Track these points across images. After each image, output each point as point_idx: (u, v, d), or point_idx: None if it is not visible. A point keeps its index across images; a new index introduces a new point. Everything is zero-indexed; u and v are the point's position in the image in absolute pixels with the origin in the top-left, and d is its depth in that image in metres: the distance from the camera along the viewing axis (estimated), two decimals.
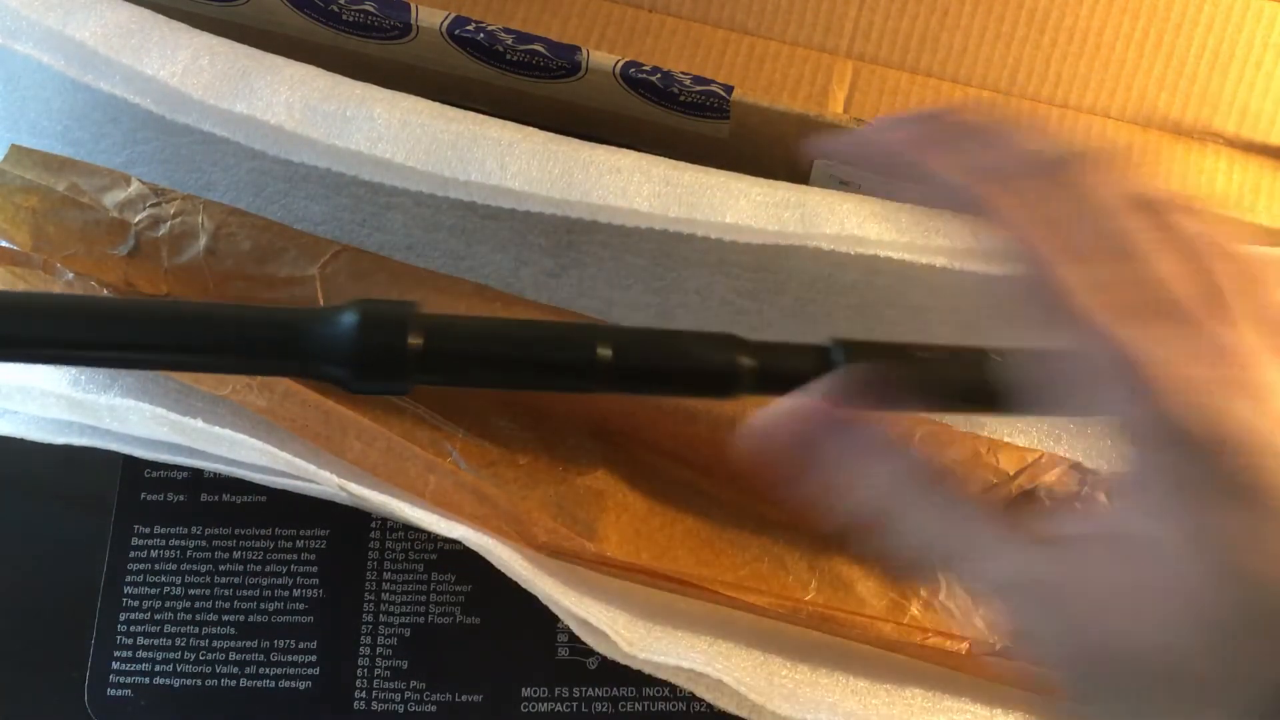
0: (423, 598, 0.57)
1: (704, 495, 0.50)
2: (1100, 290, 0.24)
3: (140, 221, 0.51)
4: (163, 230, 0.51)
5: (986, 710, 0.49)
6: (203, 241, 0.51)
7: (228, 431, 0.48)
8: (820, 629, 0.50)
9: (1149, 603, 0.22)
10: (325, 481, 0.48)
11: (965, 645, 0.48)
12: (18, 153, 0.53)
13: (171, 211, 0.51)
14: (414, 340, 0.31)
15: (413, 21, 0.52)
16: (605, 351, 0.32)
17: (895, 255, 0.48)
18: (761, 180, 0.49)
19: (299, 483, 0.50)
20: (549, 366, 0.33)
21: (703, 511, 0.50)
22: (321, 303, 0.50)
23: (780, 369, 0.35)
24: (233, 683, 0.55)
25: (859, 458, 0.27)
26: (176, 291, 0.52)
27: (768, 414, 0.29)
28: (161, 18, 0.51)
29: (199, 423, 0.48)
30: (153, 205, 0.52)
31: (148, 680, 0.55)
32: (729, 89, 0.51)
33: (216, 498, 0.58)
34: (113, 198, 0.52)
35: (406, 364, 0.32)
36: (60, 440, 0.52)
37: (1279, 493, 0.21)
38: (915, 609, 0.50)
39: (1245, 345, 0.23)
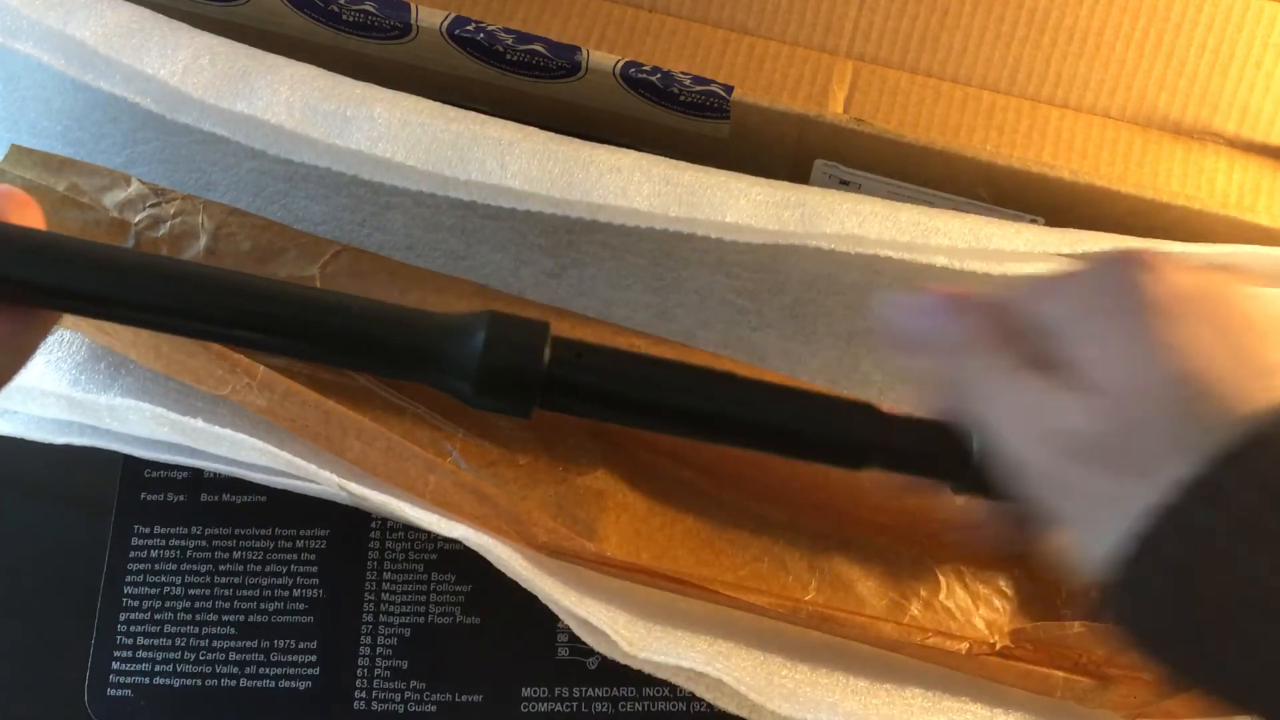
0: (423, 598, 0.57)
1: (704, 495, 0.50)
2: None
3: (140, 221, 0.51)
4: (163, 230, 0.51)
5: (986, 710, 0.49)
6: (203, 241, 0.51)
7: (228, 431, 0.48)
8: (820, 629, 0.50)
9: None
10: (325, 481, 0.48)
11: (965, 645, 0.48)
12: (18, 153, 0.53)
13: (171, 211, 0.51)
14: (545, 366, 0.31)
15: (413, 21, 0.52)
16: (743, 411, 0.33)
17: (895, 255, 0.48)
18: (762, 180, 0.49)
19: (299, 483, 0.50)
20: (684, 414, 0.33)
21: (703, 511, 0.50)
22: None
23: (914, 449, 0.35)
24: (233, 683, 0.55)
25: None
26: None
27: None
28: (162, 17, 0.51)
29: (199, 423, 0.48)
30: (153, 205, 0.52)
31: (148, 680, 0.55)
32: (729, 89, 0.51)
33: (216, 498, 0.58)
34: (113, 198, 0.52)
35: (530, 392, 0.32)
36: (60, 440, 0.53)
37: None
38: (915, 609, 0.50)
39: None
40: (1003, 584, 0.52)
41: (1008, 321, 0.32)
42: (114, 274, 0.33)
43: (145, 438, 0.51)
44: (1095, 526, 0.28)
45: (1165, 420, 0.27)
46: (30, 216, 0.35)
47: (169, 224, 0.51)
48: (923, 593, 0.51)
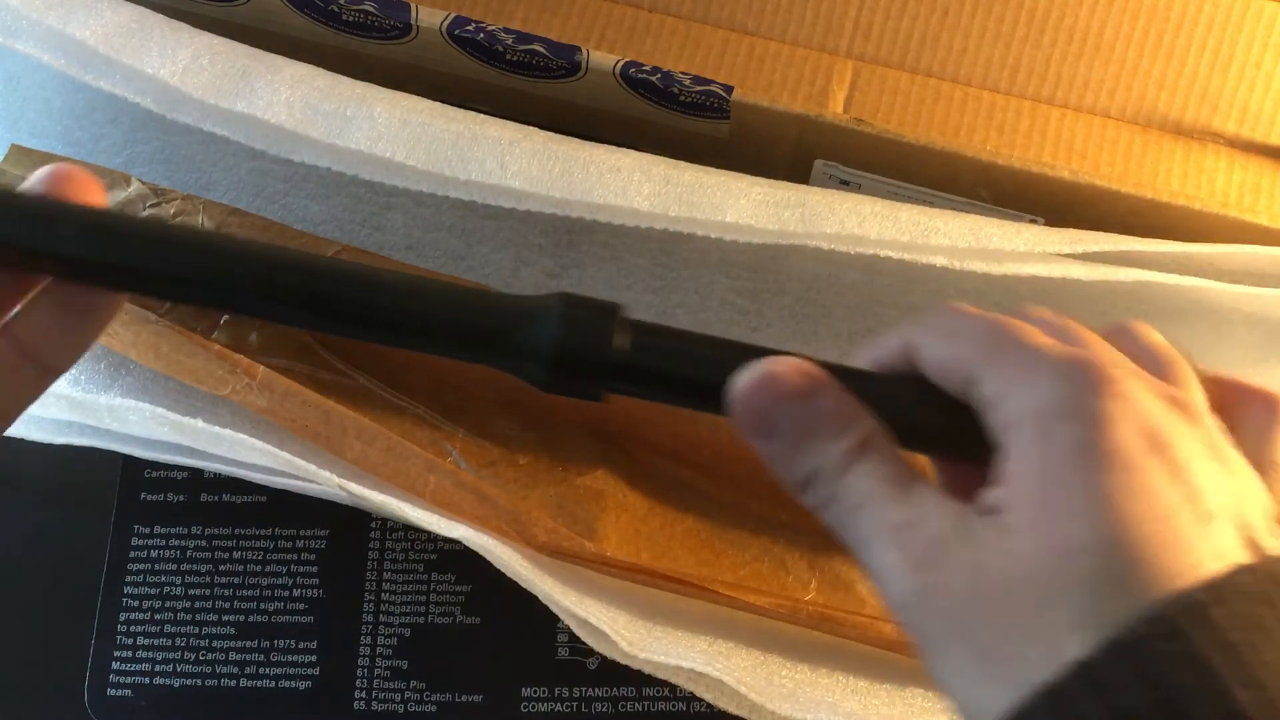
0: (423, 598, 0.57)
1: (704, 495, 0.50)
2: None
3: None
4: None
5: None
6: (208, 225, 0.51)
7: (228, 431, 0.48)
8: (820, 629, 0.50)
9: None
10: (325, 481, 0.48)
11: None
12: (18, 153, 0.53)
13: (171, 212, 0.51)
14: (617, 348, 0.30)
15: (413, 21, 0.52)
16: None
17: (895, 255, 0.48)
18: (762, 180, 0.49)
19: (299, 483, 0.50)
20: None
21: (703, 511, 0.50)
22: None
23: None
24: (233, 683, 0.55)
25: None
26: None
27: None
28: (162, 17, 0.51)
29: (199, 423, 0.48)
30: (153, 205, 0.52)
31: (148, 680, 0.55)
32: (729, 89, 0.51)
33: (216, 498, 0.58)
34: (113, 198, 0.52)
35: (602, 377, 0.31)
36: (60, 440, 0.53)
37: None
38: None
39: None
40: None
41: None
42: (178, 252, 0.31)
43: (145, 438, 0.51)
44: (972, 683, 0.25)
45: (1082, 588, 0.24)
46: (93, 195, 0.32)
47: (175, 203, 0.51)
48: None
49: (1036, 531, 0.25)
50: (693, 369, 0.32)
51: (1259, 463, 0.27)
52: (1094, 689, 0.23)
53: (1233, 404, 0.29)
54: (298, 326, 0.36)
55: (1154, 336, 0.30)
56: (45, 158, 0.53)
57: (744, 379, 0.30)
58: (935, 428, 0.30)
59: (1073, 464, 0.25)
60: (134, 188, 0.52)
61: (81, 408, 0.51)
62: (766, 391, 0.29)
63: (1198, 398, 0.28)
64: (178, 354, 0.49)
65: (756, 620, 0.50)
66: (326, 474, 0.48)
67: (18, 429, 0.53)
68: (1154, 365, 0.29)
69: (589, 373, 0.31)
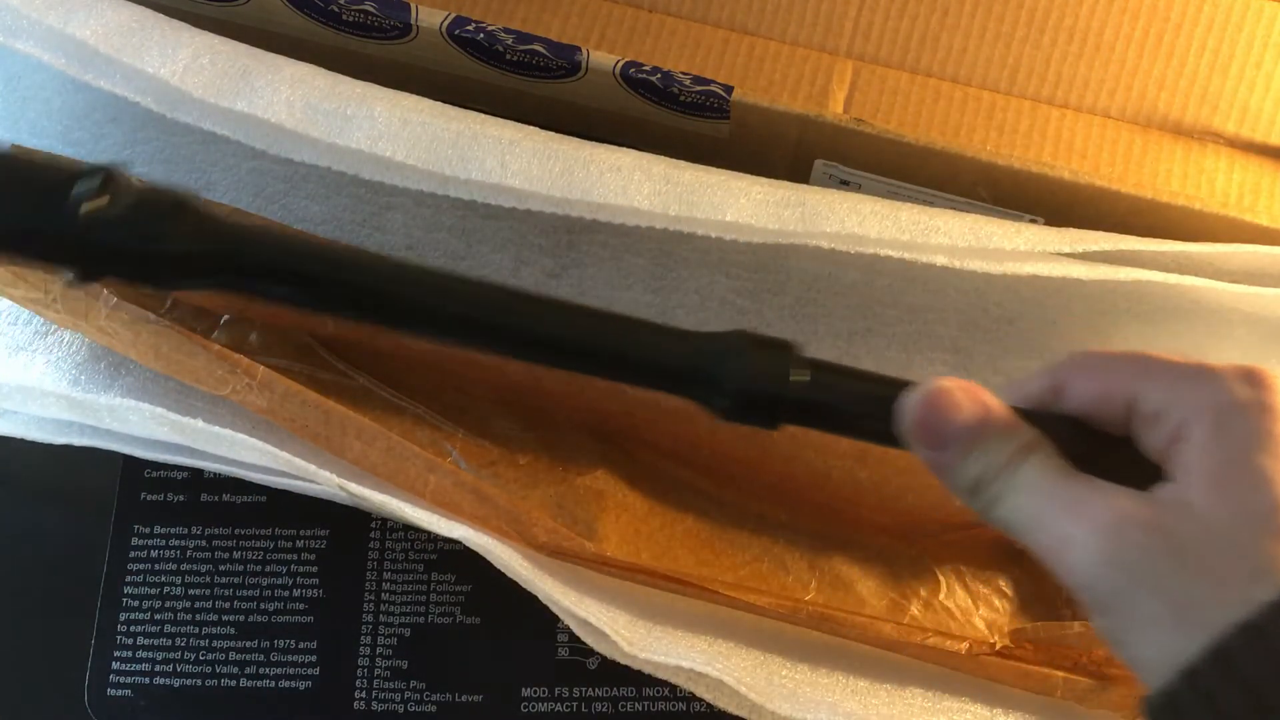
0: (423, 598, 0.57)
1: (704, 495, 0.50)
2: None
3: None
4: None
5: (986, 710, 0.49)
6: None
7: (228, 431, 0.48)
8: (820, 629, 0.50)
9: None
10: (325, 481, 0.48)
11: (965, 645, 0.48)
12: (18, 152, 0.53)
13: None
14: (794, 387, 0.34)
15: (413, 21, 0.52)
16: None
17: (895, 254, 0.48)
18: (762, 179, 0.49)
19: (299, 483, 0.50)
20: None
21: (703, 511, 0.50)
22: None
23: None
24: (233, 683, 0.55)
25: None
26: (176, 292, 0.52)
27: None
28: (162, 17, 0.51)
29: (199, 423, 0.48)
30: None
31: (148, 680, 0.55)
32: (729, 89, 0.51)
33: (216, 498, 0.58)
34: None
35: (779, 412, 0.34)
36: (60, 440, 0.53)
37: None
38: (915, 609, 0.50)
39: None
40: (1003, 584, 0.52)
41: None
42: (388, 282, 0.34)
43: (145, 438, 0.51)
44: (1163, 632, 0.28)
45: (1265, 545, 0.27)
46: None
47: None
48: (923, 593, 0.51)
49: (1220, 502, 0.28)
50: (861, 403, 0.35)
51: None
52: None
53: None
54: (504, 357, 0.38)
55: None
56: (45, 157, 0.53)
57: (916, 395, 0.33)
58: (1090, 456, 0.32)
59: (1250, 448, 0.29)
60: None
61: (81, 408, 0.51)
62: (938, 405, 0.32)
63: None
64: (178, 354, 0.49)
65: (756, 620, 0.50)
66: (326, 474, 0.48)
67: (18, 429, 0.53)
68: None
69: (769, 406, 0.34)
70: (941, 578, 0.51)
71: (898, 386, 0.34)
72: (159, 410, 0.48)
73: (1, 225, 0.30)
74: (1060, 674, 0.49)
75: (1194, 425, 0.30)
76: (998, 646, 0.49)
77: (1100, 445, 0.32)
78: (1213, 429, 0.30)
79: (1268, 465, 0.28)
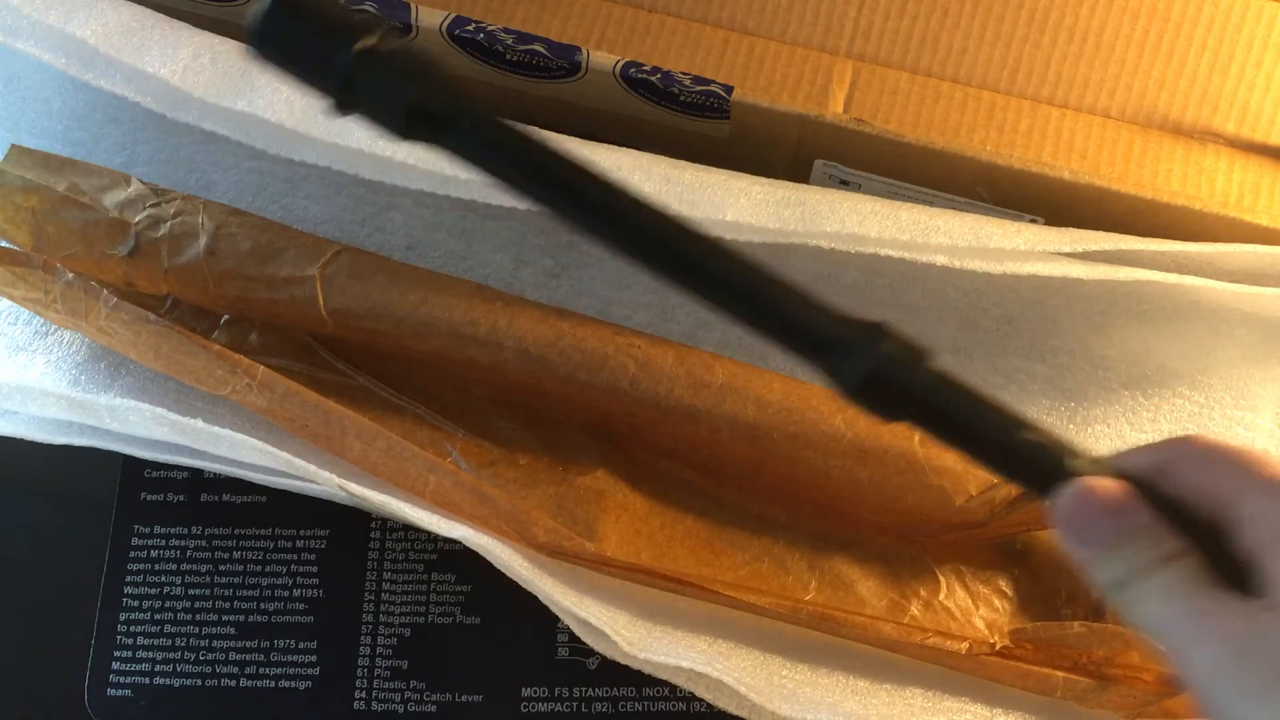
0: (423, 598, 0.57)
1: (704, 495, 0.50)
2: None
3: (140, 221, 0.51)
4: (163, 230, 0.51)
5: (986, 710, 0.49)
6: (203, 242, 0.51)
7: (228, 431, 0.48)
8: (820, 629, 0.50)
9: None
10: (325, 481, 0.48)
11: (965, 645, 0.48)
12: (18, 153, 0.53)
13: (171, 211, 0.51)
14: (924, 385, 0.35)
15: (413, 22, 0.52)
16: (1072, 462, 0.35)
17: (895, 254, 0.48)
18: (762, 179, 0.49)
19: (299, 483, 0.50)
20: (1014, 462, 0.35)
21: (703, 511, 0.50)
22: (321, 303, 0.50)
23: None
24: (233, 683, 0.55)
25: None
26: (176, 292, 0.52)
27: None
28: (162, 16, 0.51)
29: (199, 423, 0.48)
30: (152, 205, 0.52)
31: (148, 680, 0.55)
32: (729, 89, 0.51)
33: (216, 498, 0.58)
34: (113, 198, 0.52)
35: (905, 402, 0.35)
36: (60, 440, 0.52)
37: None
38: (915, 609, 0.50)
39: None
40: (1003, 584, 0.52)
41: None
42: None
43: (145, 438, 0.51)
44: None
45: None
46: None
47: (169, 224, 0.51)
48: (923, 593, 0.51)
49: None
50: (978, 422, 0.36)
51: None
52: None
53: None
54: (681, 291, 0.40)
55: None
56: (45, 158, 0.53)
57: (1067, 494, 0.34)
58: (1190, 538, 0.33)
59: None
60: (134, 188, 0.52)
61: (81, 408, 0.51)
62: (1088, 505, 0.34)
63: None
64: (178, 354, 0.49)
65: (756, 620, 0.50)
66: (326, 474, 0.48)
67: (18, 429, 0.53)
68: None
69: (897, 394, 0.35)
70: (941, 578, 0.51)
71: (1017, 424, 0.35)
72: (159, 410, 0.48)
73: (293, 49, 0.35)
74: (1060, 674, 0.49)
75: None
76: (998, 646, 0.49)
77: (1197, 526, 0.33)
78: None
79: None
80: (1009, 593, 0.52)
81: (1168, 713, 0.49)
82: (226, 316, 0.53)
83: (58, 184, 0.52)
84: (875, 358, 0.35)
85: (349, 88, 0.34)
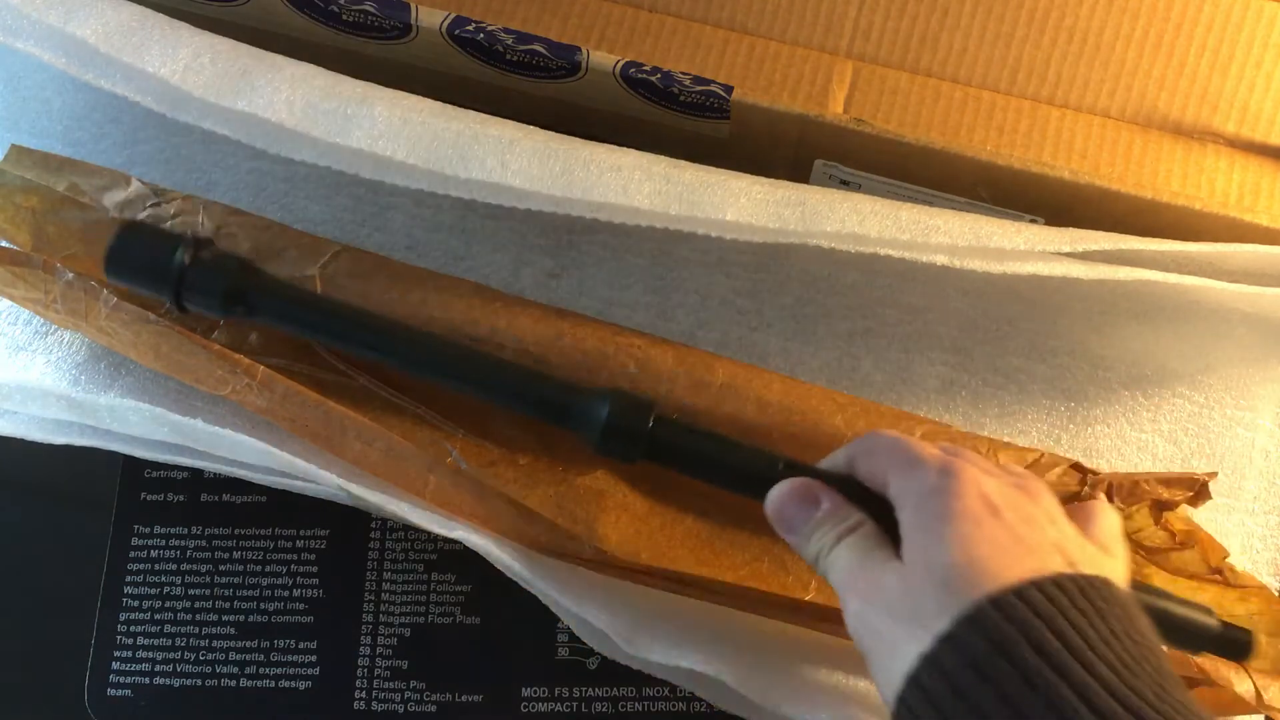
0: (423, 598, 0.57)
1: (704, 495, 0.50)
2: None
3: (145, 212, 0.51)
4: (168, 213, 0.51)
5: None
6: (209, 225, 0.51)
7: (228, 431, 0.48)
8: (820, 629, 0.50)
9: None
10: (325, 481, 0.48)
11: None
12: (18, 153, 0.53)
13: (171, 211, 0.51)
14: (652, 431, 0.47)
15: (413, 21, 0.52)
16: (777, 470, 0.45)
17: (896, 254, 0.48)
18: (762, 179, 0.49)
19: (299, 483, 0.50)
20: (738, 477, 0.46)
21: (703, 511, 0.50)
22: None
23: None
24: (233, 683, 0.55)
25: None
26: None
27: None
28: (162, 16, 0.51)
29: (199, 423, 0.48)
30: (153, 205, 0.52)
31: (148, 680, 0.55)
32: (729, 89, 0.51)
33: (216, 498, 0.58)
34: (112, 197, 0.52)
35: (639, 447, 0.47)
36: (60, 440, 0.52)
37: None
38: None
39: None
40: None
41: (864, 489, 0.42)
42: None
43: (145, 438, 0.51)
44: (888, 665, 0.36)
45: (941, 592, 0.36)
46: None
47: (169, 224, 0.51)
48: None
49: (919, 564, 0.37)
50: (702, 456, 0.47)
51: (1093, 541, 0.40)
52: (953, 648, 0.35)
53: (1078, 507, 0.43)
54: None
55: (1015, 466, 0.45)
56: (45, 157, 0.53)
57: (772, 495, 0.44)
58: (872, 511, 0.42)
59: (937, 521, 0.38)
60: (134, 187, 0.52)
61: (81, 408, 0.51)
62: (787, 501, 0.43)
63: (1039, 487, 0.41)
64: (178, 354, 0.49)
65: (757, 620, 0.50)
66: (326, 474, 0.48)
67: (18, 429, 0.53)
68: (1009, 471, 0.42)
69: (631, 441, 0.47)
70: None
71: (731, 448, 0.47)
72: (159, 410, 0.48)
73: (133, 268, 0.49)
74: None
75: (909, 507, 0.39)
76: None
77: (875, 501, 0.41)
78: (918, 509, 0.38)
79: (949, 533, 0.37)
80: None
81: None
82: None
83: (58, 184, 0.52)
84: (608, 417, 0.46)
85: (181, 289, 0.48)
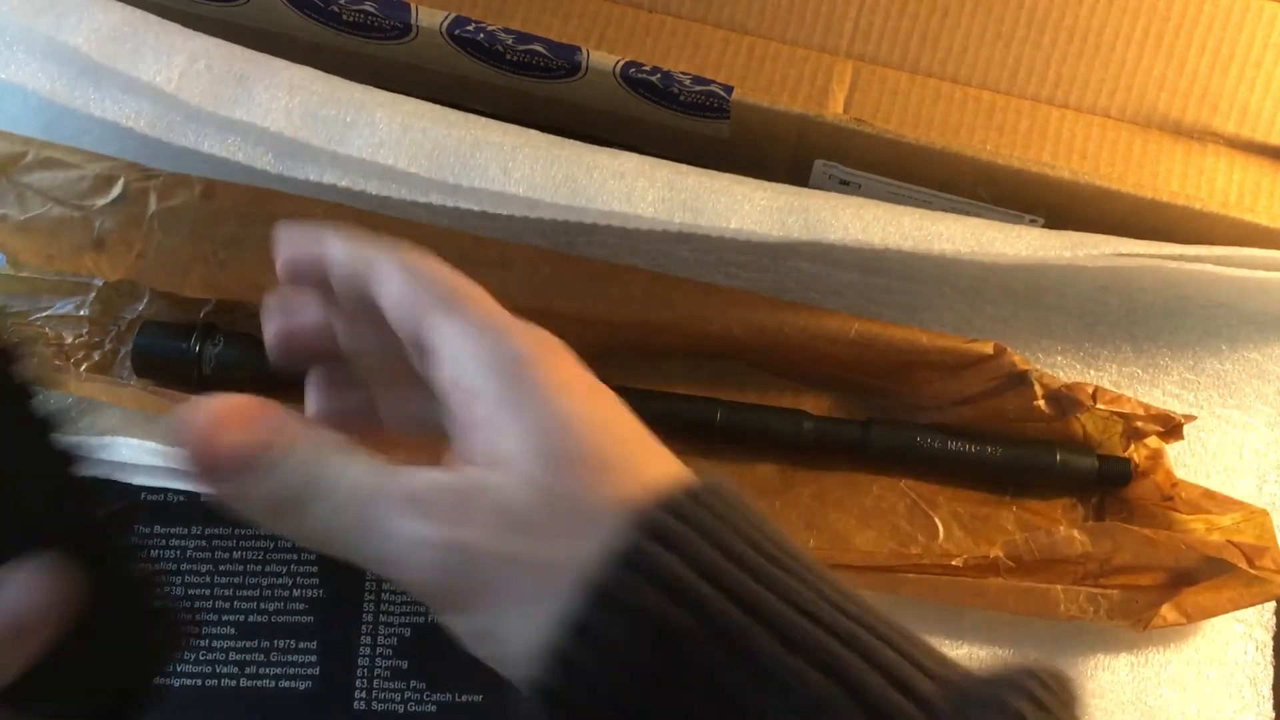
0: None
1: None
2: None
3: (131, 175, 0.51)
4: (154, 181, 0.51)
5: (1000, 651, 0.52)
6: (197, 189, 0.51)
7: None
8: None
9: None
10: None
11: (961, 559, 0.50)
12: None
13: (161, 178, 0.52)
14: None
15: (413, 22, 0.51)
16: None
17: (896, 249, 0.48)
18: (766, 184, 0.49)
19: None
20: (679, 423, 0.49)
21: None
22: None
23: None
24: (233, 683, 0.55)
25: None
26: (156, 237, 0.52)
27: None
28: (154, 18, 0.50)
29: None
30: (137, 181, 0.52)
31: None
32: (729, 89, 0.51)
33: None
34: (96, 167, 0.52)
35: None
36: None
37: None
38: (915, 550, 0.52)
39: None
40: (1001, 522, 0.53)
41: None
42: None
43: (137, 464, 0.51)
44: (526, 608, 0.27)
45: (588, 491, 0.27)
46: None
47: (161, 178, 0.52)
48: (921, 538, 0.52)
49: (539, 461, 0.27)
50: None
51: None
52: (633, 567, 0.26)
53: None
54: None
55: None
56: (24, 141, 0.52)
57: (179, 429, 0.30)
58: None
59: (547, 397, 0.27)
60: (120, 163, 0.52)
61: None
62: (208, 435, 0.30)
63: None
64: (157, 402, 0.50)
65: None
66: None
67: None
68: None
69: None
70: (939, 522, 0.53)
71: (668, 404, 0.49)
72: (149, 444, 0.48)
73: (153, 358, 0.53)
74: (1059, 587, 0.50)
75: (486, 380, 0.28)
76: (991, 557, 0.51)
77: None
78: (508, 384, 0.28)
79: (569, 408, 0.27)
80: (1008, 527, 0.53)
81: (1179, 609, 0.50)
82: (202, 317, 0.53)
83: (40, 152, 0.52)
84: None
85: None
